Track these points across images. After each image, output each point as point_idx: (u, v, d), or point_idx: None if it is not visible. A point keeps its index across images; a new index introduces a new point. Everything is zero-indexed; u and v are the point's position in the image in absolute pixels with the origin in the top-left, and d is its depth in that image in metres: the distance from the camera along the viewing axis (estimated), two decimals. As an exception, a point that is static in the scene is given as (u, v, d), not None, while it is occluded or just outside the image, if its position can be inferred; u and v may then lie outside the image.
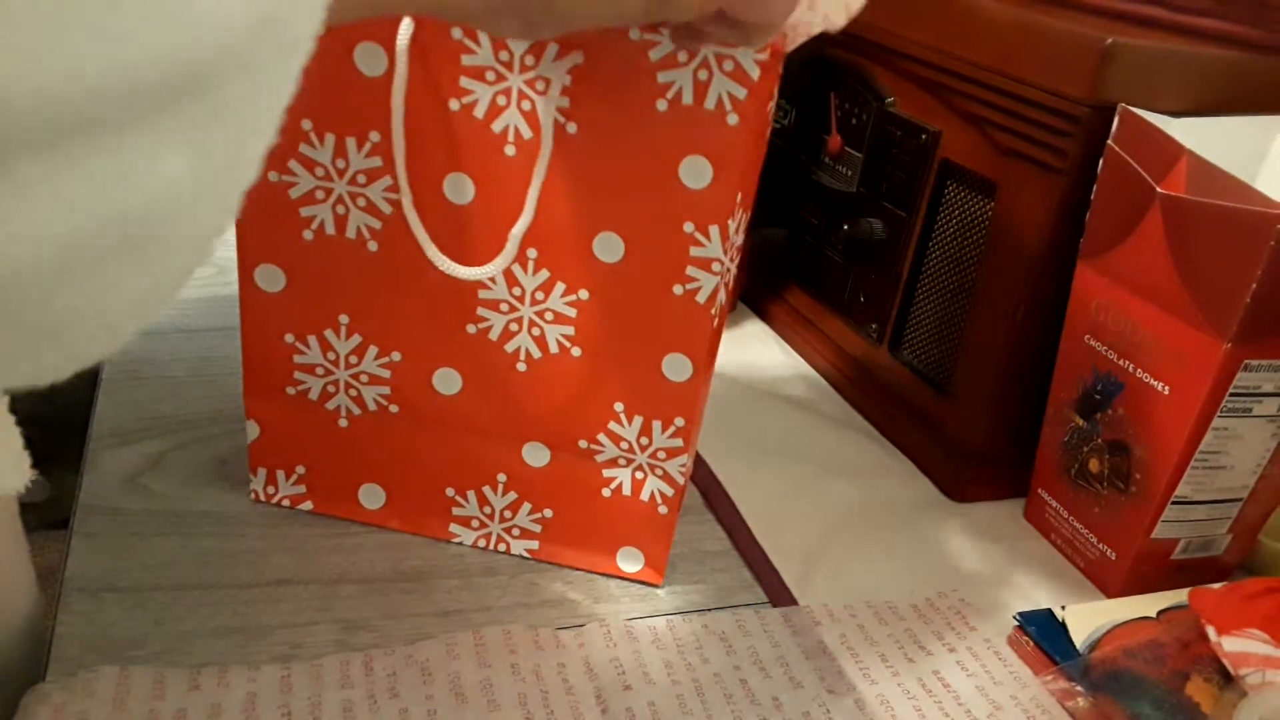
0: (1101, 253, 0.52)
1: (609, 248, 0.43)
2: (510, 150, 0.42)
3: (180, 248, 0.19)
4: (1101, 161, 0.51)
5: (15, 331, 0.18)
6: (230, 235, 0.59)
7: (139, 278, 0.19)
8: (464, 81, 0.41)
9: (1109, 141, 0.50)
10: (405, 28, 0.40)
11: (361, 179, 0.44)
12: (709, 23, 0.35)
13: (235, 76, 0.18)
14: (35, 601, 0.48)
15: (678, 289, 0.44)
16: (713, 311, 0.44)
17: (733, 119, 0.40)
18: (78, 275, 0.18)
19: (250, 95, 0.19)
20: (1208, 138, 0.49)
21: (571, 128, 0.41)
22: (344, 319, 0.47)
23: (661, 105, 0.40)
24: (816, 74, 0.73)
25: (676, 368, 0.45)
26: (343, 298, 0.47)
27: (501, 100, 0.41)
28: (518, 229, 0.42)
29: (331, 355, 0.48)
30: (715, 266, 0.43)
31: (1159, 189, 0.48)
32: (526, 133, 0.42)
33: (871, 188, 0.67)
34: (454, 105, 0.42)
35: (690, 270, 0.43)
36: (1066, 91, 0.51)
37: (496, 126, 0.42)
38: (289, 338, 0.48)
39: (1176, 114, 0.51)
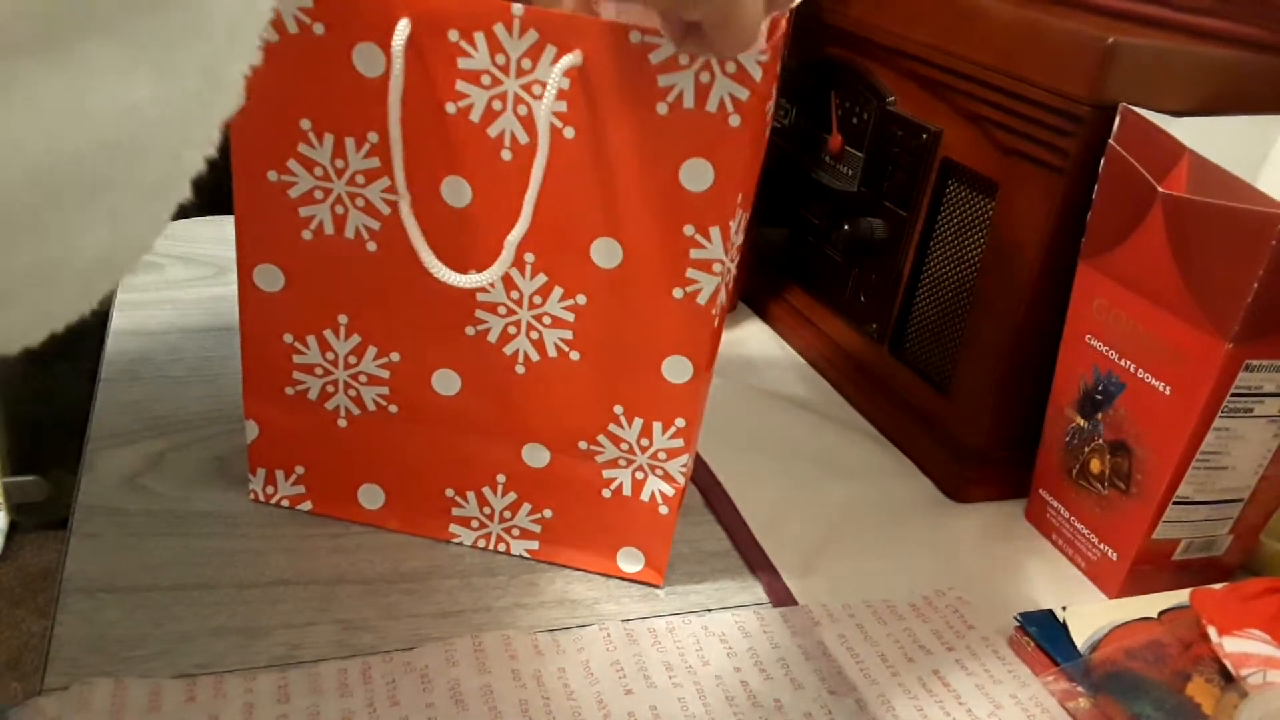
0: (1103, 252, 0.52)
1: (607, 254, 0.43)
2: (507, 155, 0.42)
3: (152, 184, 0.17)
4: (1103, 161, 0.51)
5: None
6: (229, 234, 0.58)
7: (107, 221, 0.17)
8: (460, 85, 0.41)
9: (1110, 141, 0.50)
10: (402, 28, 0.40)
11: (360, 179, 0.43)
12: (685, 36, 0.36)
13: None
14: None
15: (678, 292, 0.43)
16: (714, 312, 0.44)
17: (735, 120, 0.40)
18: (36, 221, 0.15)
19: (227, 6, 0.16)
20: (1209, 137, 0.49)
21: (569, 132, 0.41)
22: (343, 319, 0.47)
23: (662, 109, 0.40)
24: (817, 74, 0.73)
25: (677, 369, 0.45)
26: (342, 298, 0.46)
27: (497, 105, 0.41)
28: (513, 236, 0.42)
29: (330, 355, 0.48)
30: (716, 268, 0.43)
31: (1160, 189, 0.48)
32: (523, 138, 0.41)
33: (872, 187, 0.67)
34: (450, 109, 0.41)
35: (691, 272, 0.43)
36: (1068, 91, 0.51)
37: (492, 131, 0.42)
38: (288, 338, 0.48)
39: (1178, 113, 0.51)
